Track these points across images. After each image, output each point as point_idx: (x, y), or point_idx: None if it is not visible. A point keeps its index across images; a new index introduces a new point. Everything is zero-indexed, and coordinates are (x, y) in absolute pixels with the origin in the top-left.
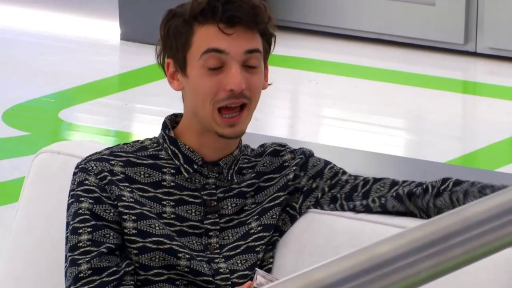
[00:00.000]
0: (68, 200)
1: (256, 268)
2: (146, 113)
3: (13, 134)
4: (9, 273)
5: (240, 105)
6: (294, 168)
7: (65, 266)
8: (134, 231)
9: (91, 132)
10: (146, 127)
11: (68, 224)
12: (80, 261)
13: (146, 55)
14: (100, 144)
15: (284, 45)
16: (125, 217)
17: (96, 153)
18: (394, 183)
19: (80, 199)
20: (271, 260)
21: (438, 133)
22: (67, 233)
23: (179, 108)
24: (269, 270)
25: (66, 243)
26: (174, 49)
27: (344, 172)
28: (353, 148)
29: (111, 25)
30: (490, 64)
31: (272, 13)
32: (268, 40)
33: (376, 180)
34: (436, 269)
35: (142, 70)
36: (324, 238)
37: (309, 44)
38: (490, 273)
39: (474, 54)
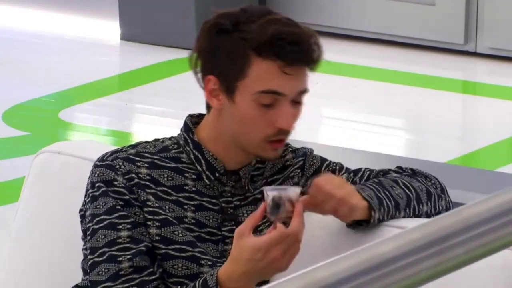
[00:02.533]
0: (94, 192)
1: (262, 187)
2: (146, 113)
3: (13, 134)
4: (9, 273)
5: None
6: (298, 171)
7: (91, 259)
8: (157, 238)
9: (91, 132)
10: (146, 127)
11: (94, 216)
12: (120, 258)
13: (146, 55)
14: (100, 144)
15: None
16: (149, 223)
17: (121, 151)
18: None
19: (113, 200)
20: None
21: (438, 133)
22: (93, 225)
23: (179, 108)
24: None
25: (92, 236)
26: (223, 70)
27: (341, 168)
28: (353, 148)
29: (111, 25)
30: (490, 64)
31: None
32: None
33: (371, 173)
34: (436, 269)
35: (142, 70)
36: (323, 238)
37: None
38: (488, 273)
39: (474, 54)
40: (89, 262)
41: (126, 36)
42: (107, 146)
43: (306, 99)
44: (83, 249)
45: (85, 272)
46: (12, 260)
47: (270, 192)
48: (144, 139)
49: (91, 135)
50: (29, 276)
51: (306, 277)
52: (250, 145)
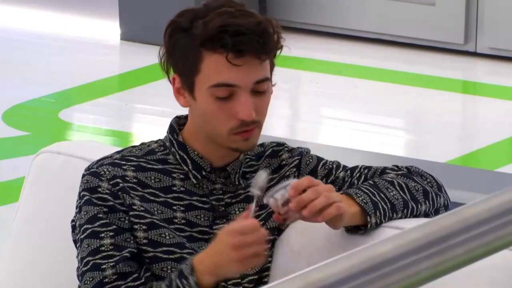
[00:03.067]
0: (80, 203)
1: (265, 199)
2: (146, 113)
3: (13, 134)
4: (9, 273)
5: None
6: (293, 170)
7: (80, 269)
8: (145, 241)
9: (91, 132)
10: (146, 127)
11: (82, 227)
12: (104, 266)
13: (146, 55)
14: (100, 144)
15: (284, 45)
16: (136, 226)
17: (107, 157)
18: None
19: (97, 207)
20: (269, 259)
21: (438, 133)
22: (81, 235)
23: (179, 108)
24: (267, 269)
25: (80, 246)
26: (181, 68)
27: (338, 166)
28: (353, 148)
29: (111, 25)
30: (490, 64)
31: (279, 28)
32: (275, 55)
33: (368, 171)
34: (436, 269)
35: (142, 70)
36: (323, 238)
37: (310, 44)
38: (487, 273)
39: (474, 54)
40: (80, 272)
41: (126, 36)
42: (107, 146)
43: (306, 99)
44: (76, 257)
45: (79, 281)
46: (12, 260)
47: (271, 199)
48: (144, 139)
49: (91, 135)
50: (29, 276)
51: (305, 277)
52: (219, 139)
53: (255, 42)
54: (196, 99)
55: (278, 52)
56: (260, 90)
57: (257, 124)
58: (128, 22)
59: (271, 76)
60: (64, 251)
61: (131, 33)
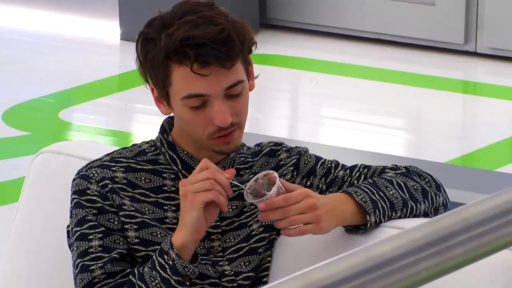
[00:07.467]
0: (71, 208)
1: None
2: (146, 113)
3: (13, 134)
4: (9, 273)
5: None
6: (291, 168)
7: (74, 272)
8: (136, 240)
9: (91, 132)
10: (146, 127)
11: (72, 230)
12: (92, 267)
13: None
14: (100, 144)
15: (284, 45)
16: (127, 226)
17: (96, 160)
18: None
19: (86, 209)
20: (269, 259)
21: (438, 133)
22: (72, 239)
23: None
24: (267, 269)
25: (72, 249)
26: (154, 80)
27: (337, 165)
28: (353, 148)
29: (111, 25)
30: (490, 64)
31: (246, 28)
32: (249, 52)
33: (368, 171)
34: (436, 269)
35: None
36: (323, 238)
37: (309, 44)
38: (487, 273)
39: (474, 54)
40: (74, 276)
41: (126, 36)
42: (107, 146)
43: (306, 99)
44: (71, 261)
45: (74, 284)
46: (12, 260)
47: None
48: (144, 139)
49: (91, 135)
50: (29, 276)
51: (305, 277)
52: (202, 143)
53: (218, 52)
54: (174, 109)
55: (253, 48)
56: (234, 94)
57: (236, 125)
58: (128, 22)
59: (247, 73)
60: (64, 251)
61: (131, 33)
